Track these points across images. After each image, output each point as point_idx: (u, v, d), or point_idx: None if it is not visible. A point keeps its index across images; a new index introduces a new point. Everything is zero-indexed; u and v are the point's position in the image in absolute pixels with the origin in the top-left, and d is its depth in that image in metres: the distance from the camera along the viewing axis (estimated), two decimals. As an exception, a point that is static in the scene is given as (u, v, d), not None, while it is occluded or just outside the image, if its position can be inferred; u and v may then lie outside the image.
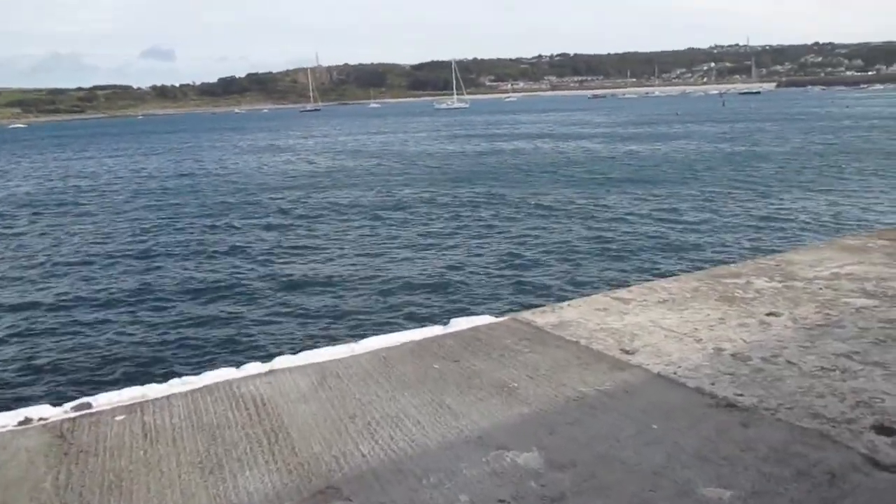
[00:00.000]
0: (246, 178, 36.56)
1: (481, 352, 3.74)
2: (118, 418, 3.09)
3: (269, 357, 3.80)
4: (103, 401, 3.28)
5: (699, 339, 3.77)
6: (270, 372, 3.60)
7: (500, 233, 19.13)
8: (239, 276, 15.44)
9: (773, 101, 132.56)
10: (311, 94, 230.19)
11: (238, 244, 18.78)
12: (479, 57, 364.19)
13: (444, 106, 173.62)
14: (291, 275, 15.37)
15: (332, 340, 8.75)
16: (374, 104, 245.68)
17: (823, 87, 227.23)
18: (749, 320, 4.05)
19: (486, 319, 4.32)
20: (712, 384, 3.17)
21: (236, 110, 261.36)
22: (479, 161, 40.08)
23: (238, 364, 3.74)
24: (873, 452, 2.53)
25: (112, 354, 11.06)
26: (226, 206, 26.08)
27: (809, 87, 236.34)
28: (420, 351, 3.81)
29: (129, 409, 3.19)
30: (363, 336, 4.13)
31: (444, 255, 16.80)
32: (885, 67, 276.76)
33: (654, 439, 2.70)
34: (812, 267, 5.18)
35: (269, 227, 21.48)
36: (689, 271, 6.56)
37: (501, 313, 4.55)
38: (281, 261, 16.84)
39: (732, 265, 5.45)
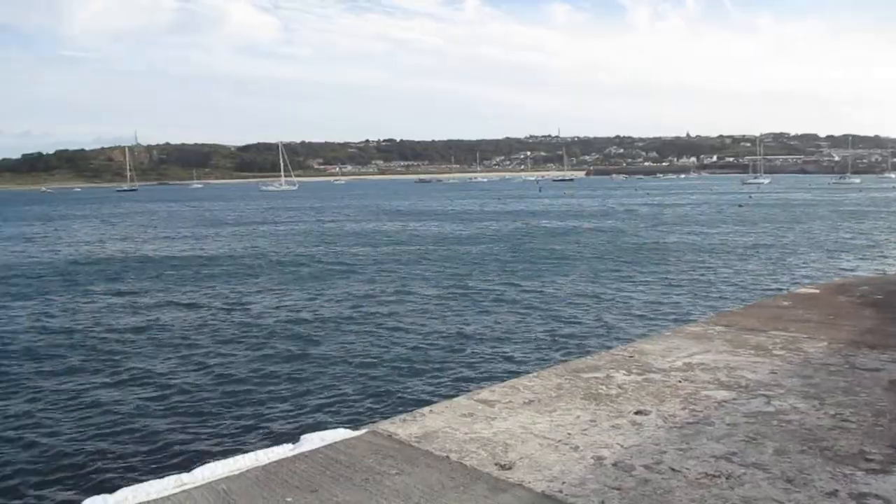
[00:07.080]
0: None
1: (342, 477, 3.23)
2: None
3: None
4: None
5: (576, 446, 3.51)
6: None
7: (341, 329, 17.24)
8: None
9: (586, 187, 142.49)
10: (127, 174, 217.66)
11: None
12: (307, 140, 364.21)
13: (271, 188, 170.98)
14: (98, 397, 12.36)
15: (157, 472, 7.54)
16: (196, 185, 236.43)
17: (626, 176, 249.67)
18: (620, 420, 3.87)
19: (341, 434, 3.83)
20: (602, 503, 2.89)
21: (43, 189, 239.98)
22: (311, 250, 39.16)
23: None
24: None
25: None
26: None
27: (614, 175, 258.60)
28: (268, 480, 3.24)
29: None
30: (194, 463, 3.47)
31: (286, 357, 14.73)
32: (675, 159, 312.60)
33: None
34: (664, 357, 5.19)
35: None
36: (545, 364, 6.41)
37: (357, 424, 4.08)
38: (80, 378, 13.71)
39: (589, 357, 5.36)
